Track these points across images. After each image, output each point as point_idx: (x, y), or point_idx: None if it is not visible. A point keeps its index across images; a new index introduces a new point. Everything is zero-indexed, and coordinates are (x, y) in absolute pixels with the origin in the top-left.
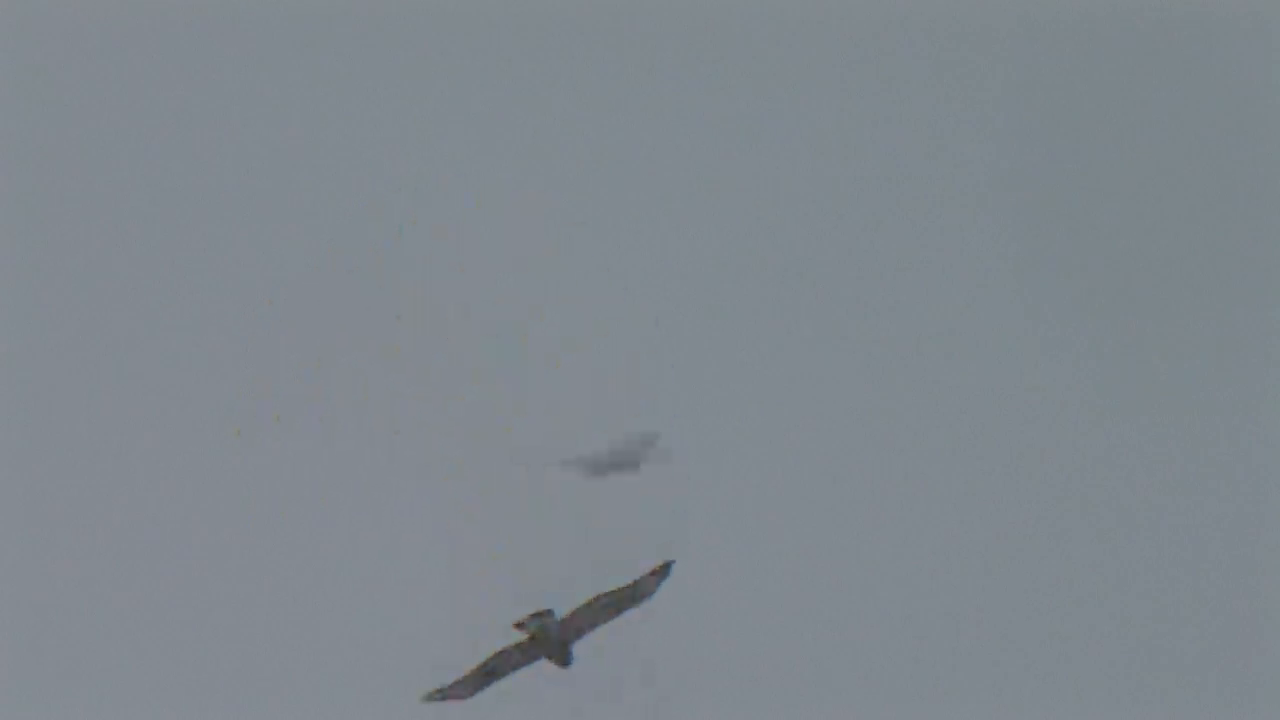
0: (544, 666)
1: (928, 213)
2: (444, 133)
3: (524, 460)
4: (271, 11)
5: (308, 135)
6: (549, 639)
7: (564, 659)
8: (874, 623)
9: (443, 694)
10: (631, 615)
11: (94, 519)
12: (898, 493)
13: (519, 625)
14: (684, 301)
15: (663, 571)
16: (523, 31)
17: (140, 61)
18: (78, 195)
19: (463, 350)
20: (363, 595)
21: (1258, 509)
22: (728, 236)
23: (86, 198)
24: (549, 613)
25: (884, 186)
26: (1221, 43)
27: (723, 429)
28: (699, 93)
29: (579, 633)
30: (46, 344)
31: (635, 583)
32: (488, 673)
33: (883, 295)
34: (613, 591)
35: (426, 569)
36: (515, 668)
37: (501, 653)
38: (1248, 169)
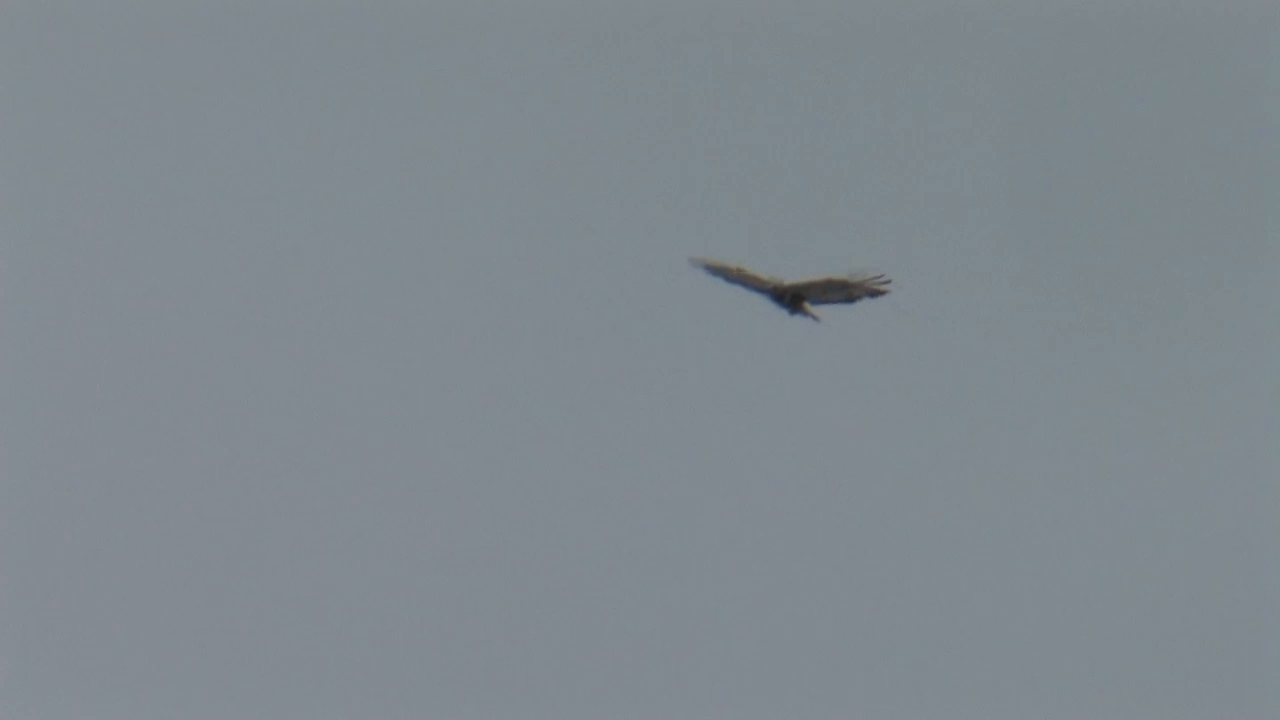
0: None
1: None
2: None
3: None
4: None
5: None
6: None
7: (791, 309)
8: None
9: (706, 266)
10: (842, 306)
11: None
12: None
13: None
14: None
15: (880, 288)
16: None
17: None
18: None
19: None
20: None
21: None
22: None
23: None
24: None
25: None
26: (1221, 43)
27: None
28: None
29: (802, 299)
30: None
31: (858, 283)
32: (738, 272)
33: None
34: (835, 280)
35: None
36: (755, 289)
37: (753, 275)
38: (1247, 169)
